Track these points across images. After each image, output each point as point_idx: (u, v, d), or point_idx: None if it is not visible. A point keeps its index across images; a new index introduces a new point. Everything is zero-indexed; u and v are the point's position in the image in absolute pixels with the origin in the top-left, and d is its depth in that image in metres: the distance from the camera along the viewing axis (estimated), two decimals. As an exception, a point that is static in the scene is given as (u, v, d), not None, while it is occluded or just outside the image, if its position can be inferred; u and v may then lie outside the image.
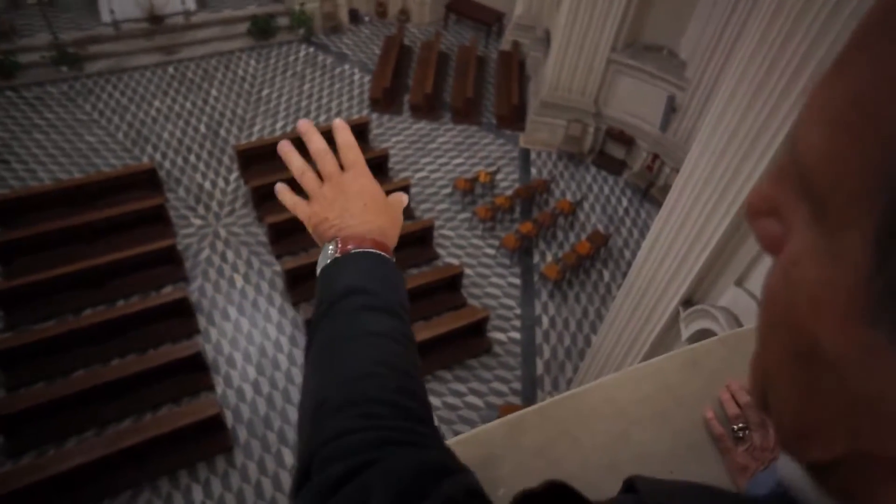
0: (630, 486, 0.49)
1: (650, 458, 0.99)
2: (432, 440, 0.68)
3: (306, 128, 0.98)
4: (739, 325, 4.35)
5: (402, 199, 0.98)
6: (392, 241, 0.91)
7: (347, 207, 0.90)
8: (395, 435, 0.64)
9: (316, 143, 0.98)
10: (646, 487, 0.45)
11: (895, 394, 0.25)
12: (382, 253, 0.87)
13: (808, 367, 0.29)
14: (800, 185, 0.29)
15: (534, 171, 11.01)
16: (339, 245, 0.86)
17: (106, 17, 11.58)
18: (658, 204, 8.03)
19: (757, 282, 4.39)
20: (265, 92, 11.70)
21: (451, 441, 0.99)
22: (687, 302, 5.24)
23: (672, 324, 5.45)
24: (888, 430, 0.26)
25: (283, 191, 0.99)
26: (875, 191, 0.23)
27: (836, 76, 0.27)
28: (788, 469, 0.38)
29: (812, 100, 0.28)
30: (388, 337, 0.77)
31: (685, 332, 5.16)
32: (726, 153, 4.27)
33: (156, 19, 11.77)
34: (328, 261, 0.86)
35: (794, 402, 0.32)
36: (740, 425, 1.03)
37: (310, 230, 0.95)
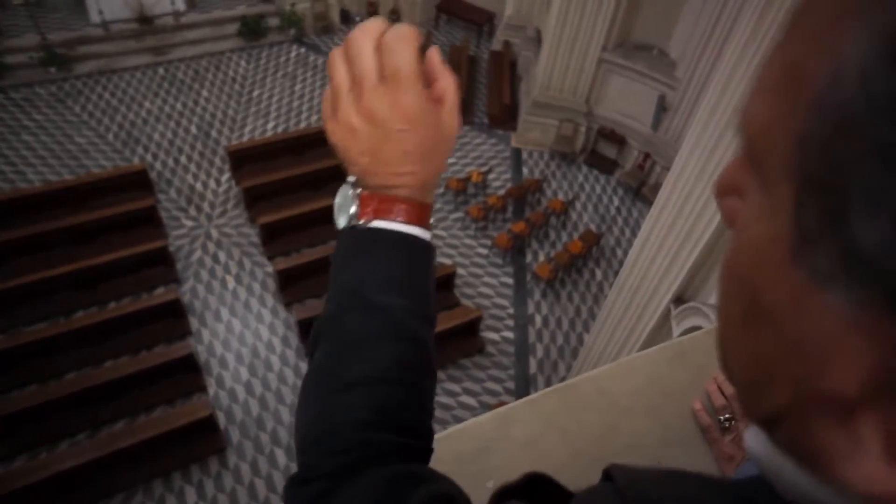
0: (608, 475, 0.48)
1: (639, 448, 1.00)
2: (418, 458, 0.67)
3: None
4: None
5: (453, 114, 0.72)
6: (432, 194, 0.72)
7: (381, 148, 0.66)
8: (382, 458, 0.64)
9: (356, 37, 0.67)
10: (622, 476, 0.45)
11: (819, 332, 0.27)
12: (413, 233, 0.68)
13: (753, 323, 0.31)
14: (748, 155, 0.32)
15: (526, 170, 11.04)
16: (360, 205, 0.68)
17: (95, 17, 11.50)
18: (649, 202, 8.07)
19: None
20: (256, 93, 11.67)
21: (441, 434, 1.00)
22: (678, 299, 5.27)
23: (664, 321, 5.49)
24: (819, 367, 0.27)
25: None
26: (799, 147, 0.26)
27: (776, 51, 0.30)
28: (753, 442, 0.39)
29: (757, 76, 0.31)
30: (390, 383, 0.65)
31: (676, 330, 5.19)
32: (716, 151, 4.31)
33: (145, 20, 11.70)
34: (348, 219, 0.69)
35: (742, 359, 0.34)
36: (727, 416, 1.05)
37: (334, 144, 0.72)
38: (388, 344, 0.66)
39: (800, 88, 0.27)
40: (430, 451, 0.70)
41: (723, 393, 1.09)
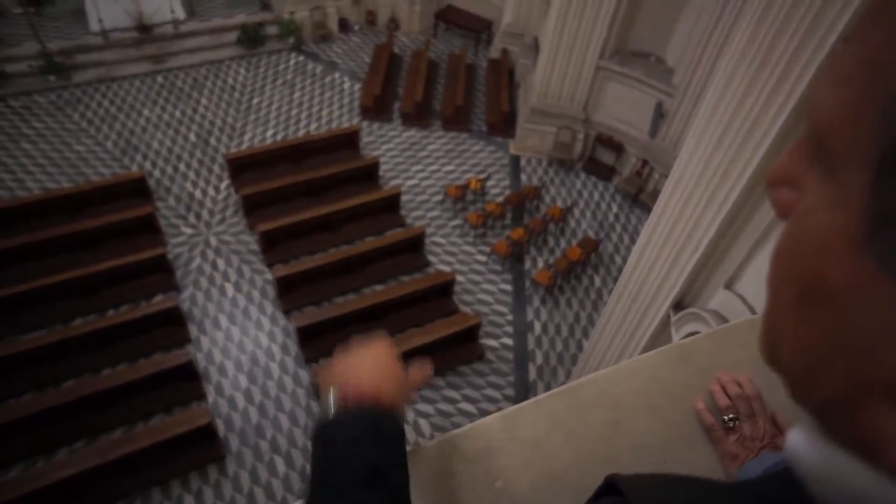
0: (611, 485, 0.48)
1: (644, 448, 1.01)
2: None
3: None
4: (729, 327, 4.38)
5: (418, 375, 1.02)
6: (389, 399, 0.94)
7: (356, 361, 0.98)
8: None
9: None
10: (631, 489, 0.45)
11: (882, 318, 0.27)
12: (372, 408, 0.91)
13: (812, 307, 0.32)
14: (814, 147, 0.32)
15: (524, 177, 11.07)
16: (337, 394, 0.92)
17: (94, 26, 11.56)
18: (648, 209, 8.10)
19: (746, 284, 4.44)
20: (255, 100, 11.70)
21: (449, 434, 1.01)
22: (677, 305, 5.28)
23: (663, 327, 5.49)
24: (879, 353, 0.28)
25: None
26: (877, 136, 0.27)
27: (849, 45, 0.31)
28: (796, 441, 0.38)
29: (827, 69, 0.32)
30: None
31: (676, 336, 5.20)
32: (714, 158, 4.33)
33: (144, 28, 11.75)
34: (325, 418, 0.91)
35: (795, 346, 0.34)
36: (731, 416, 1.06)
37: (321, 385, 1.01)
38: (367, 489, 0.83)
39: (882, 79, 0.27)
40: None
41: (726, 393, 1.10)
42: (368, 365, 0.97)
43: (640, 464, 0.99)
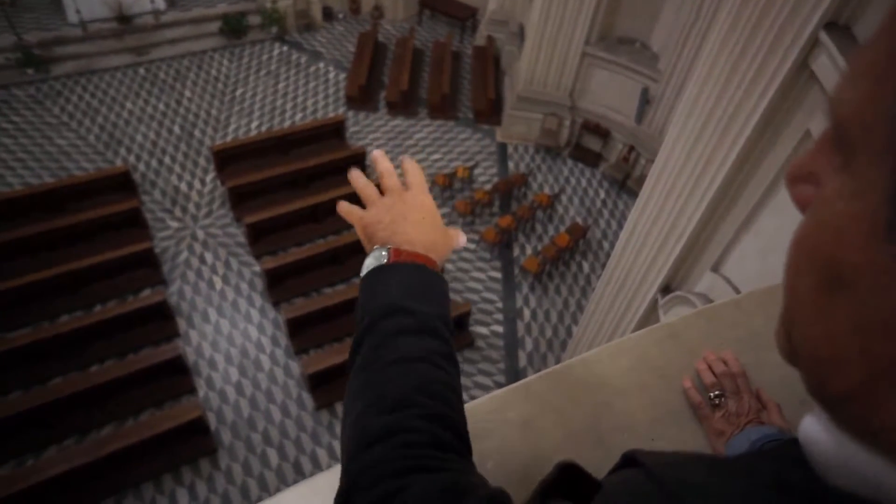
0: (631, 459, 0.49)
1: (632, 426, 1.03)
2: (462, 465, 0.70)
3: (375, 155, 1.02)
4: (716, 309, 4.42)
5: (459, 237, 0.98)
6: (441, 259, 0.91)
7: (405, 215, 0.91)
8: (427, 462, 0.67)
9: (384, 164, 1.00)
10: (650, 460, 0.46)
11: None
12: (430, 267, 0.86)
13: (831, 296, 0.32)
14: (834, 140, 0.33)
15: (511, 164, 11.08)
16: (391, 251, 0.86)
17: (72, 17, 11.34)
18: (634, 195, 8.14)
19: (732, 267, 4.49)
20: (239, 92, 11.58)
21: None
22: (665, 289, 5.33)
23: (651, 311, 5.54)
24: None
25: (341, 203, 1.01)
26: None
27: (877, 40, 0.31)
28: (810, 428, 0.38)
29: (850, 66, 0.33)
30: (428, 361, 0.77)
31: (664, 319, 5.25)
32: (699, 142, 4.36)
33: (124, 19, 11.56)
34: (377, 264, 0.86)
35: (816, 334, 0.34)
36: (716, 393, 1.08)
37: (360, 233, 0.95)
38: (419, 336, 0.79)
39: None
40: (468, 442, 0.75)
41: (712, 371, 1.12)
42: (417, 222, 0.90)
43: (629, 442, 1.01)
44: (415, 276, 0.84)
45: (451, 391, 0.76)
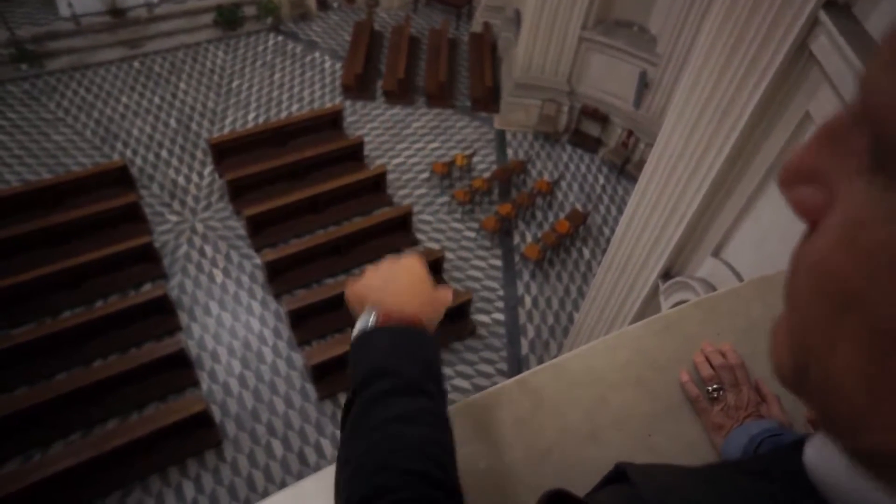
0: (621, 473, 0.46)
1: (629, 421, 1.02)
2: None
3: None
4: (717, 294, 4.41)
5: (447, 295, 0.97)
6: (431, 319, 0.91)
7: (395, 278, 0.92)
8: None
9: None
10: (640, 478, 0.42)
11: None
12: (418, 328, 0.87)
13: (881, 341, 0.27)
14: (869, 146, 0.27)
15: (510, 152, 11.02)
16: (380, 315, 0.87)
17: (64, 11, 11.24)
18: (634, 180, 8.10)
19: (733, 252, 4.47)
20: (235, 83, 11.51)
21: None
22: (666, 275, 5.31)
23: (652, 297, 5.53)
24: None
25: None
26: None
27: None
28: (815, 457, 0.35)
29: (884, 46, 0.26)
30: (416, 421, 0.77)
31: (665, 305, 5.24)
32: (698, 126, 4.32)
33: (117, 12, 11.47)
34: (365, 328, 0.87)
35: (857, 380, 0.28)
36: (715, 386, 1.07)
37: (350, 300, 0.95)
38: (408, 396, 0.79)
39: None
40: (460, 498, 0.74)
41: (710, 363, 1.10)
42: (407, 284, 0.91)
43: (625, 438, 1.00)
44: (402, 337, 0.85)
45: (440, 448, 0.76)
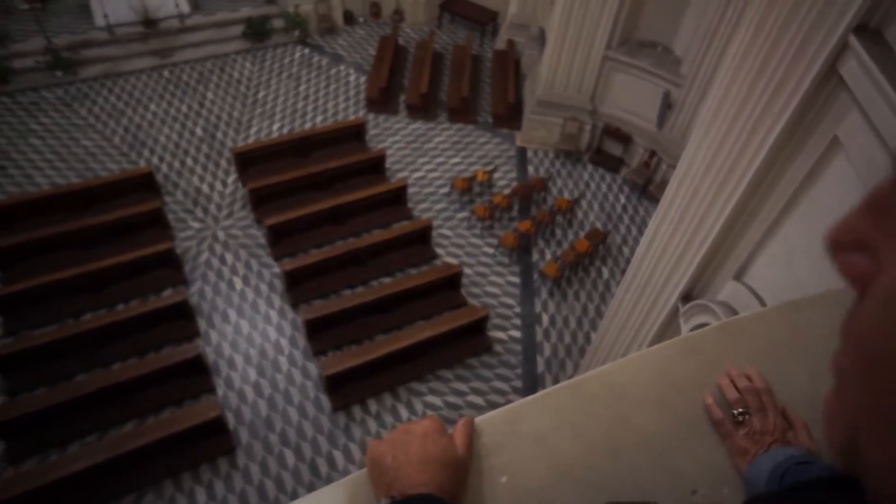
0: None
1: (650, 442, 1.00)
2: None
3: None
4: (738, 318, 4.33)
5: (466, 457, 0.95)
6: (445, 486, 0.89)
7: (407, 451, 0.91)
8: None
9: None
10: None
11: None
12: (435, 496, 0.86)
13: None
14: None
15: (531, 169, 11.02)
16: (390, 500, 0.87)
17: (99, 21, 11.58)
18: (656, 200, 8.05)
19: (755, 276, 4.40)
20: (261, 94, 11.70)
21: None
22: (686, 297, 5.24)
23: (672, 319, 5.46)
24: None
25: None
26: None
27: None
28: None
29: None
30: None
31: (685, 328, 5.16)
32: (723, 148, 4.28)
33: (150, 23, 11.76)
34: None
35: (890, 440, 0.28)
36: (740, 410, 1.04)
37: (369, 467, 0.95)
38: None
39: None
40: None
41: (735, 387, 1.08)
42: (419, 454, 0.90)
43: (646, 459, 0.98)
44: None
45: None
